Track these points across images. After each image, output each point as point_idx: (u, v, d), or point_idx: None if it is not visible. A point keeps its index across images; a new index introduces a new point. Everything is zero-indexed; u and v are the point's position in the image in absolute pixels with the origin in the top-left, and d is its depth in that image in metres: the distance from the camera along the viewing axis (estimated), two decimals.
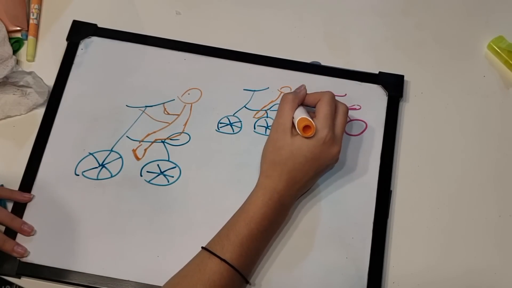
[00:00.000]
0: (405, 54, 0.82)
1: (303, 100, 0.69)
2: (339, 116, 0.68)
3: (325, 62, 0.80)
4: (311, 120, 0.65)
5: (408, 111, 0.78)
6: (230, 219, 0.66)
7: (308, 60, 0.80)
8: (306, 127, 0.64)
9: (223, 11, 0.84)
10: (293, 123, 0.66)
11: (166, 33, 0.80)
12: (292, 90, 0.73)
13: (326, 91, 0.68)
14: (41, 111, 0.75)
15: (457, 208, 0.73)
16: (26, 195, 0.70)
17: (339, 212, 0.71)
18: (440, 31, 0.84)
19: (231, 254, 0.62)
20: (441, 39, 0.83)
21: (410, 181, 0.74)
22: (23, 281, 0.67)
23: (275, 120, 0.68)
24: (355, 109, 0.76)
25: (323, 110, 0.67)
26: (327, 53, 0.81)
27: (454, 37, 0.83)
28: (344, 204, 0.71)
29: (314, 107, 0.69)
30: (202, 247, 0.65)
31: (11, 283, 0.68)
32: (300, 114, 0.66)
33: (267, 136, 0.74)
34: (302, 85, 0.70)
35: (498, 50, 0.81)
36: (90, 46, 0.79)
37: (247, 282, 0.65)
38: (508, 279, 0.70)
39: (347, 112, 0.69)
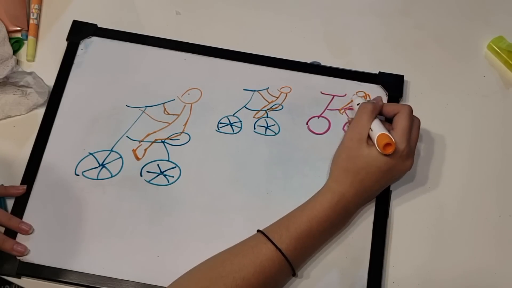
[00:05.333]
0: (405, 54, 0.82)
1: (380, 112, 0.70)
2: (414, 129, 0.69)
3: (325, 62, 0.80)
4: (391, 137, 0.65)
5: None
6: (292, 212, 0.67)
7: (308, 60, 0.80)
8: (387, 145, 0.65)
9: (223, 11, 0.84)
10: (369, 135, 0.67)
11: (166, 33, 0.81)
12: (369, 100, 0.76)
13: (405, 104, 0.70)
14: (41, 111, 0.75)
15: (457, 208, 0.73)
16: (20, 187, 0.71)
17: None
18: (440, 31, 0.84)
19: (287, 246, 0.64)
20: (441, 39, 0.84)
21: (410, 181, 0.74)
22: (23, 281, 0.67)
23: (352, 128, 0.69)
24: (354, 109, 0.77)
25: (402, 123, 0.67)
26: (327, 53, 0.82)
27: (454, 37, 0.84)
28: None
29: (387, 117, 0.71)
30: (258, 230, 0.66)
31: (10, 283, 0.69)
32: (379, 129, 0.66)
33: (266, 136, 0.75)
34: (379, 97, 0.72)
35: (498, 50, 0.82)
36: (90, 46, 0.79)
37: (294, 275, 0.66)
38: (508, 279, 0.70)
39: (420, 126, 0.71)
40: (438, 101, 0.80)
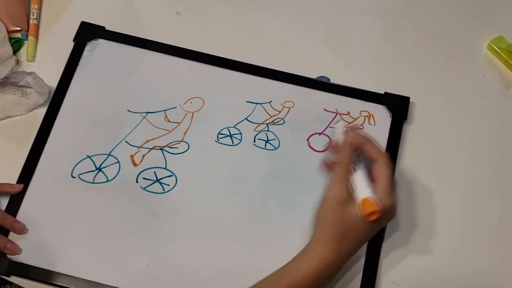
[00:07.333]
0: (405, 54, 0.85)
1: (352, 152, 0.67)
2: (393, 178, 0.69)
3: (324, 62, 0.83)
4: (376, 203, 0.62)
5: (408, 112, 0.80)
6: (270, 276, 0.64)
7: (308, 58, 0.82)
8: (372, 213, 0.62)
9: (227, 17, 0.86)
10: (349, 192, 0.65)
11: (171, 39, 0.82)
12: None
13: (383, 152, 0.67)
14: (41, 111, 0.77)
15: (457, 208, 0.75)
16: (16, 186, 0.72)
17: None
18: (440, 31, 0.87)
19: None
20: (441, 39, 0.86)
21: (411, 178, 0.76)
22: (12, 279, 0.69)
23: (330, 190, 0.65)
24: (358, 128, 0.77)
25: (386, 176, 0.64)
26: (327, 53, 0.84)
27: (454, 37, 0.86)
28: None
29: (361, 153, 0.67)
30: None
31: (11, 283, 0.70)
32: (362, 189, 0.63)
33: (266, 150, 0.75)
34: (356, 131, 0.70)
35: (498, 50, 0.84)
36: (97, 49, 0.81)
37: None
38: (508, 279, 0.72)
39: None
40: (438, 101, 0.81)
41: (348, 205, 0.64)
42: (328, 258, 0.63)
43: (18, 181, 0.73)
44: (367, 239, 0.67)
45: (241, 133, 0.77)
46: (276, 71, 0.81)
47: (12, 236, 0.70)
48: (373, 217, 0.62)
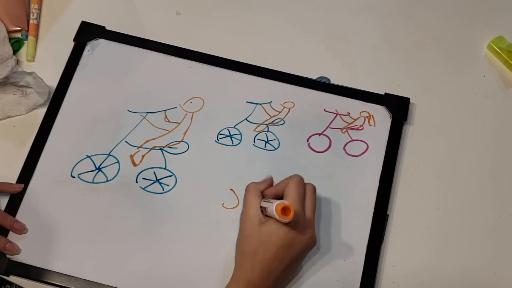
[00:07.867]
0: (404, 54, 0.85)
1: (268, 186, 0.70)
2: (308, 197, 0.68)
3: (324, 62, 0.83)
4: (287, 202, 0.62)
5: (408, 112, 0.81)
6: None
7: (309, 59, 0.83)
8: (285, 209, 0.62)
9: (227, 17, 0.87)
10: (262, 211, 0.66)
11: (171, 39, 0.83)
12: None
13: (293, 175, 0.69)
14: (41, 111, 0.78)
15: (457, 208, 0.76)
16: (16, 185, 0.73)
17: (333, 233, 0.73)
18: (440, 31, 0.87)
19: None
20: (441, 39, 0.87)
21: (411, 180, 0.77)
22: (12, 279, 0.69)
23: (242, 209, 0.69)
24: (358, 129, 0.77)
25: (291, 194, 0.66)
26: (326, 53, 0.84)
27: (454, 37, 0.87)
28: (338, 225, 0.73)
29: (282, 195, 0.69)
30: None
31: (10, 283, 0.71)
32: (274, 201, 0.64)
33: (265, 151, 0.76)
34: (269, 176, 0.72)
35: (498, 50, 0.85)
36: (97, 48, 0.81)
37: None
38: (508, 279, 0.72)
39: (315, 191, 0.69)
40: (438, 101, 0.82)
41: (256, 223, 0.65)
42: (247, 277, 0.64)
43: (18, 181, 0.73)
44: (284, 258, 0.64)
45: (241, 134, 0.78)
46: (276, 71, 0.81)
47: (11, 235, 0.70)
48: (289, 214, 0.61)
